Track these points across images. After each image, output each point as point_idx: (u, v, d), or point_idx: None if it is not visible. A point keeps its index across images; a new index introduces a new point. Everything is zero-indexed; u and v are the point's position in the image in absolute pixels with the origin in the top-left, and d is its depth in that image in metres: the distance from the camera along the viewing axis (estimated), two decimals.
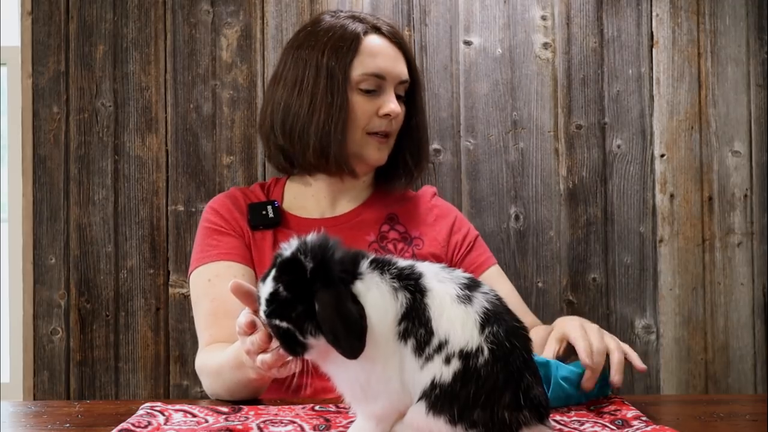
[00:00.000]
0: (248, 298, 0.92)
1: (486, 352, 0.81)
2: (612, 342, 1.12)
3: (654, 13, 1.92)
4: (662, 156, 1.92)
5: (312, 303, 0.80)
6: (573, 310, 1.89)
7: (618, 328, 1.89)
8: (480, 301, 0.84)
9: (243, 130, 1.89)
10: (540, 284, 1.90)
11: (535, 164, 1.91)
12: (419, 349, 0.82)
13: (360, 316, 0.80)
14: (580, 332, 1.11)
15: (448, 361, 0.81)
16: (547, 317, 1.89)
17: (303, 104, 1.36)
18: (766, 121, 1.92)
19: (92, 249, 1.88)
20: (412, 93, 1.44)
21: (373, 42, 1.38)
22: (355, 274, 0.83)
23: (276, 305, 0.83)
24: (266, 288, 0.84)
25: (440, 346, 0.81)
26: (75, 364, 1.87)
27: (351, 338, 0.79)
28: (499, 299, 0.87)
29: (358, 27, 1.37)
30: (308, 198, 1.47)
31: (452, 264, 1.44)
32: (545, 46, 1.92)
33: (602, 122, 1.92)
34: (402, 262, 0.87)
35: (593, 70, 1.92)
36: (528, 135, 1.91)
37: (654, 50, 1.92)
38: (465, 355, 0.80)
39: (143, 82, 1.90)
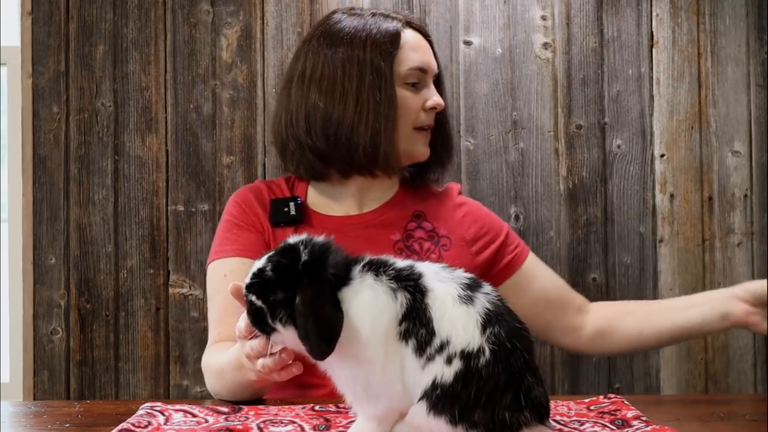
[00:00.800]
0: None
1: (487, 352, 0.81)
2: None
3: (654, 13, 1.92)
4: (662, 156, 1.92)
5: (294, 293, 0.81)
6: None
7: None
8: (481, 302, 0.84)
9: (243, 130, 1.89)
10: None
11: (535, 164, 1.91)
12: (420, 349, 0.82)
13: (336, 321, 0.81)
14: None
15: (449, 361, 0.81)
16: None
17: (348, 105, 1.31)
18: (766, 121, 1.92)
19: (92, 249, 1.88)
20: (437, 85, 1.42)
21: (411, 36, 1.36)
22: (344, 280, 0.84)
23: (258, 282, 0.84)
24: (257, 263, 0.86)
25: (442, 347, 0.81)
26: (75, 364, 1.87)
27: (320, 339, 0.80)
28: (501, 299, 0.87)
29: (394, 23, 1.35)
30: (334, 195, 1.41)
31: (484, 265, 1.40)
32: (545, 46, 1.92)
33: (602, 122, 1.92)
34: (400, 263, 0.87)
35: (593, 70, 1.92)
36: (528, 135, 1.91)
37: (654, 50, 1.92)
38: (466, 356, 0.81)
39: (143, 82, 1.90)
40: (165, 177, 1.89)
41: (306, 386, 1.31)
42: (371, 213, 1.40)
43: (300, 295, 0.81)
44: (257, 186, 1.43)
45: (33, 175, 1.89)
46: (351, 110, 1.30)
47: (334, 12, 1.41)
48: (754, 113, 1.92)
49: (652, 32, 1.93)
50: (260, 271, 0.85)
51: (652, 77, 1.92)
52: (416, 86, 1.35)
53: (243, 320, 0.92)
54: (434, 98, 1.35)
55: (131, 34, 1.90)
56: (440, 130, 1.42)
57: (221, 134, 1.89)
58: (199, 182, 1.89)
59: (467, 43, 1.91)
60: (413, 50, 1.35)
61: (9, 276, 2.16)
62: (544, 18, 1.92)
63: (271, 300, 0.83)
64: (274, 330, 0.85)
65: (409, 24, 1.38)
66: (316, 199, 1.42)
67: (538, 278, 1.45)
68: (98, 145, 1.90)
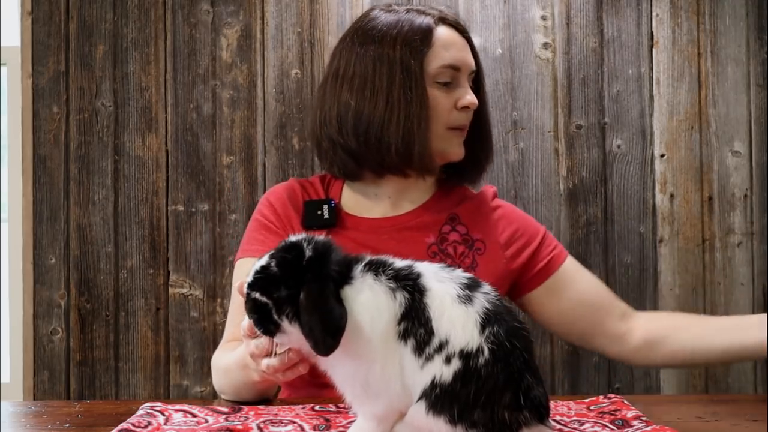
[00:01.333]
0: None
1: (486, 352, 0.81)
2: None
3: (654, 13, 1.92)
4: (662, 156, 1.92)
5: (299, 289, 0.81)
6: None
7: None
8: (480, 301, 0.84)
9: (243, 130, 1.89)
10: None
11: (535, 164, 1.91)
12: (419, 349, 0.82)
13: (341, 316, 0.81)
14: None
15: (448, 360, 0.81)
16: None
17: (378, 104, 1.28)
18: (766, 121, 1.92)
19: (92, 249, 1.88)
20: (477, 83, 1.38)
21: (444, 33, 1.31)
22: (346, 278, 0.84)
23: (262, 278, 0.84)
24: (259, 261, 0.86)
25: (441, 346, 0.81)
26: (75, 364, 1.87)
27: (326, 335, 0.80)
28: (500, 299, 0.87)
29: (427, 19, 1.31)
30: (369, 196, 1.38)
31: (521, 268, 1.37)
32: (545, 46, 1.92)
33: (602, 122, 1.92)
34: (399, 263, 0.87)
35: (593, 70, 1.92)
36: (528, 135, 1.91)
37: (654, 50, 1.92)
38: (465, 355, 0.80)
39: (143, 82, 1.90)
40: (165, 177, 1.89)
41: (323, 386, 1.29)
42: (406, 215, 1.36)
43: (305, 291, 0.81)
44: (291, 186, 1.39)
45: (33, 175, 1.89)
46: (381, 109, 1.27)
47: (371, 9, 1.37)
48: (754, 113, 1.92)
49: (652, 32, 1.93)
50: (264, 268, 0.84)
51: (652, 77, 1.92)
52: (449, 85, 1.30)
53: (248, 319, 0.92)
54: (467, 97, 1.31)
55: (131, 34, 1.90)
56: (478, 130, 1.37)
57: (221, 134, 1.89)
58: (199, 182, 1.89)
59: None
60: (445, 48, 1.30)
61: (9, 276, 2.16)
62: (544, 18, 1.92)
63: (275, 296, 0.83)
64: (278, 327, 0.85)
65: (443, 20, 1.33)
66: (351, 200, 1.38)
67: (577, 282, 1.39)
68: (98, 145, 1.90)
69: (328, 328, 0.80)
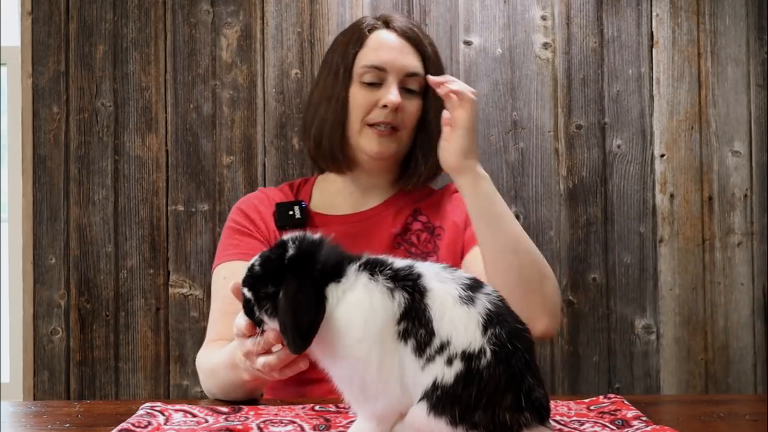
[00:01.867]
0: None
1: (488, 353, 0.81)
2: None
3: (654, 13, 1.92)
4: (662, 156, 1.92)
5: (279, 287, 0.84)
6: (573, 310, 1.89)
7: (618, 328, 1.89)
8: (482, 302, 0.84)
9: (243, 130, 1.89)
10: None
11: (535, 164, 1.91)
12: (420, 349, 0.81)
13: (315, 317, 0.82)
14: None
15: (450, 362, 0.80)
16: None
17: (313, 102, 1.44)
18: (766, 121, 1.92)
19: (92, 249, 1.88)
20: (428, 89, 1.41)
21: (380, 36, 1.40)
22: (333, 276, 0.84)
23: (249, 276, 0.88)
24: (253, 259, 0.89)
25: (442, 347, 0.81)
26: (75, 364, 1.87)
27: (295, 334, 0.82)
28: (502, 300, 0.87)
29: (369, 24, 1.42)
30: (336, 195, 1.49)
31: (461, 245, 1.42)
32: (545, 46, 1.92)
33: (602, 122, 1.92)
34: (399, 263, 0.87)
35: (593, 70, 1.92)
36: (528, 135, 1.91)
37: (654, 50, 1.92)
38: (468, 357, 0.80)
39: (143, 82, 1.90)
40: (165, 177, 1.89)
41: (306, 382, 1.31)
42: (371, 210, 1.45)
43: (283, 290, 0.83)
44: (259, 194, 1.49)
45: (33, 175, 1.89)
46: (314, 106, 1.43)
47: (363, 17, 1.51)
48: (754, 113, 1.92)
49: (652, 32, 1.93)
50: (251, 266, 0.88)
51: (652, 77, 1.92)
52: (375, 85, 1.38)
53: (242, 318, 0.93)
54: (388, 96, 1.36)
55: (131, 34, 1.90)
56: (422, 135, 1.44)
57: (221, 134, 1.89)
58: (199, 182, 1.89)
59: (467, 43, 1.91)
60: (374, 49, 1.39)
61: (9, 276, 2.16)
62: (544, 18, 1.92)
63: (260, 293, 0.86)
64: (262, 322, 0.89)
65: (387, 24, 1.42)
66: (319, 200, 1.48)
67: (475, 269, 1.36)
68: (98, 145, 1.90)
69: (299, 328, 0.81)
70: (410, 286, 0.83)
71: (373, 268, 0.85)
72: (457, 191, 1.49)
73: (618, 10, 1.92)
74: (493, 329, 0.82)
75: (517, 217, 1.90)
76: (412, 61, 1.40)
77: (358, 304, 0.83)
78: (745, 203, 1.91)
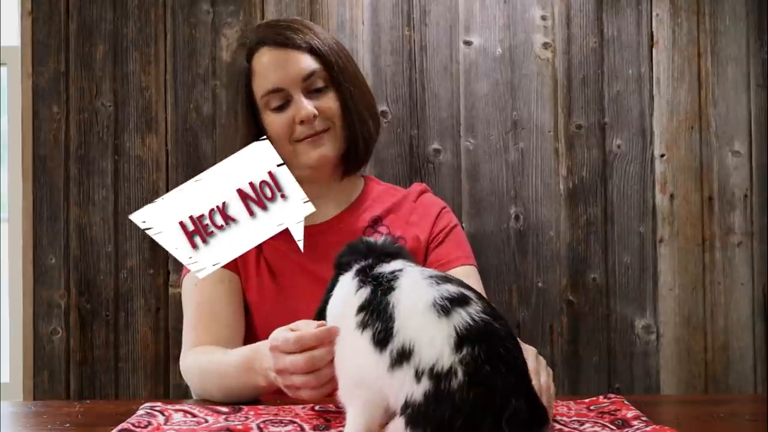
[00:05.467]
0: None
1: (460, 374, 0.75)
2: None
3: (654, 13, 1.92)
4: (662, 156, 1.92)
5: None
6: (573, 310, 1.89)
7: (618, 328, 1.89)
8: (461, 316, 0.78)
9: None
10: (540, 284, 1.90)
11: (535, 164, 1.91)
12: (378, 343, 0.81)
13: (324, 300, 0.99)
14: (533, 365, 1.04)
15: (418, 378, 0.77)
16: (547, 317, 1.89)
17: (235, 141, 1.37)
18: (766, 121, 1.92)
19: (92, 249, 1.88)
20: (334, 76, 1.36)
21: (261, 59, 1.34)
22: (345, 268, 0.97)
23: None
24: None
25: (406, 352, 0.78)
26: (75, 364, 1.87)
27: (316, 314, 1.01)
28: (497, 319, 0.80)
29: (243, 53, 1.36)
30: None
31: (425, 255, 1.40)
32: (545, 46, 1.92)
33: (602, 122, 1.92)
34: (388, 267, 0.90)
35: (593, 70, 1.92)
36: (528, 135, 1.91)
37: (654, 50, 1.92)
38: (436, 376, 0.76)
39: (143, 82, 1.90)
40: (165, 177, 1.89)
41: None
42: (329, 221, 1.40)
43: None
44: None
45: (33, 175, 1.89)
46: (238, 145, 1.30)
47: None
48: (754, 113, 1.92)
49: (652, 32, 1.93)
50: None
51: (652, 77, 1.92)
52: (284, 105, 1.33)
53: (292, 333, 0.99)
54: (302, 112, 1.32)
55: (131, 34, 1.90)
56: (347, 121, 1.37)
57: (221, 134, 1.89)
58: None
59: (467, 43, 1.91)
60: (263, 75, 1.33)
61: (9, 276, 2.15)
62: (544, 18, 1.92)
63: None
64: None
65: (261, 42, 1.34)
66: None
67: None
68: (98, 145, 1.90)
69: (319, 310, 1.01)
70: (377, 283, 0.87)
71: (363, 269, 0.92)
72: (422, 194, 1.47)
73: (618, 10, 1.92)
74: (471, 347, 0.76)
75: (517, 217, 1.90)
76: (302, 64, 1.33)
77: (334, 298, 0.97)
78: (745, 203, 1.91)
